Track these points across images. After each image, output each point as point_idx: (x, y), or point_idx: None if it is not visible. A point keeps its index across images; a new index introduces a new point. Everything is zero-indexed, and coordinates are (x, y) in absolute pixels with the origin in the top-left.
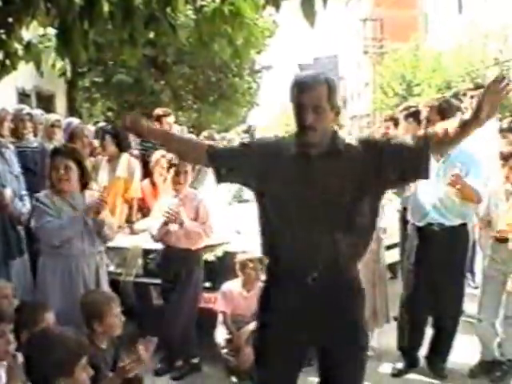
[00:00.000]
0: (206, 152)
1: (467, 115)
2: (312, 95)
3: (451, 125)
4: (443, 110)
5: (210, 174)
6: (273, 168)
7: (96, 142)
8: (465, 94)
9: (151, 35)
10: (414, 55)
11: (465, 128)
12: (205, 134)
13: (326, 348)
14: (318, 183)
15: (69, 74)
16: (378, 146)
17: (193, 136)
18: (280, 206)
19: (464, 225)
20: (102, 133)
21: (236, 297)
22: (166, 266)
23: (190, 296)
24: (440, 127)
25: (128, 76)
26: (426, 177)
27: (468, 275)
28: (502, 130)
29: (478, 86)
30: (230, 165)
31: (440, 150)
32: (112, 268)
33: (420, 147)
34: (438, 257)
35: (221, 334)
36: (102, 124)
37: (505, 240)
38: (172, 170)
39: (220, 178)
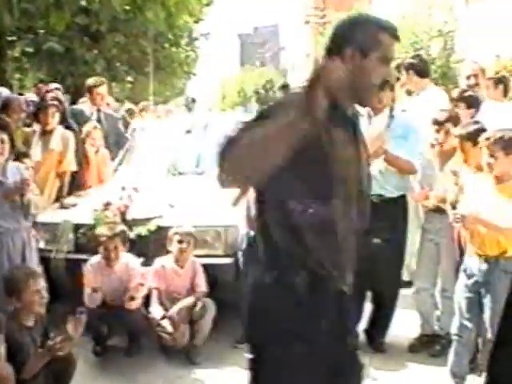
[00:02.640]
0: None
1: None
2: None
3: None
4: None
5: (139, 149)
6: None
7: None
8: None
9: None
10: None
11: None
12: (140, 106)
13: None
14: None
15: None
16: None
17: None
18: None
19: (403, 196)
20: (47, 103)
21: (169, 273)
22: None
23: None
24: None
25: (59, 45)
26: None
27: None
28: (452, 100)
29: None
30: None
31: None
32: (42, 245)
33: None
34: (377, 229)
35: (155, 311)
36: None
37: (438, 210)
38: None
39: None
